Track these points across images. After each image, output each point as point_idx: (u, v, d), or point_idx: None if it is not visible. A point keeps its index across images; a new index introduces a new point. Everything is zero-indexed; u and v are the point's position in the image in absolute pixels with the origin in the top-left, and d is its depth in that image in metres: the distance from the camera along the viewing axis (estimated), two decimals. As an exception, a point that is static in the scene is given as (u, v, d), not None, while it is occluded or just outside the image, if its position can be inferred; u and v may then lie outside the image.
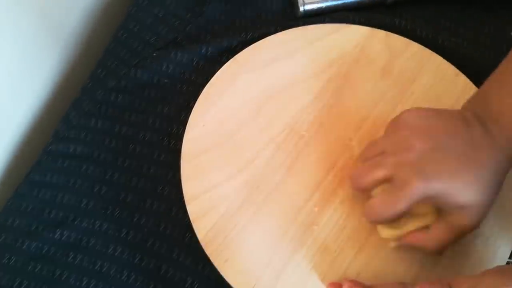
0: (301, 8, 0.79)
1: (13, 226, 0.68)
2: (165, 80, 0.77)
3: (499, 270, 0.50)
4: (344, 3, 0.80)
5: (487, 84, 0.59)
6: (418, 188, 0.52)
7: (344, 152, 0.66)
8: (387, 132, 0.60)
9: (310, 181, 0.65)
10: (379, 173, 0.55)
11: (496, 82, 0.58)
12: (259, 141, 0.67)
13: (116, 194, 0.69)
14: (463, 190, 0.52)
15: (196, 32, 0.81)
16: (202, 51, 0.78)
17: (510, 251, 0.61)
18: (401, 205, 0.53)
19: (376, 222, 0.58)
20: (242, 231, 0.62)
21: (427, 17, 0.79)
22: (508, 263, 0.61)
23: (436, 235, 0.55)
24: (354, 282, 0.58)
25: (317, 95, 0.70)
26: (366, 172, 0.57)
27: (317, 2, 0.79)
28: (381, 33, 0.74)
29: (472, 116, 0.56)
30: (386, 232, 0.59)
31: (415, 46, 0.73)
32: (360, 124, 0.68)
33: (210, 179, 0.65)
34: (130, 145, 0.72)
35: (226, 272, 0.60)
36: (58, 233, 0.66)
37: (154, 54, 0.78)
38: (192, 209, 0.63)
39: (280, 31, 0.76)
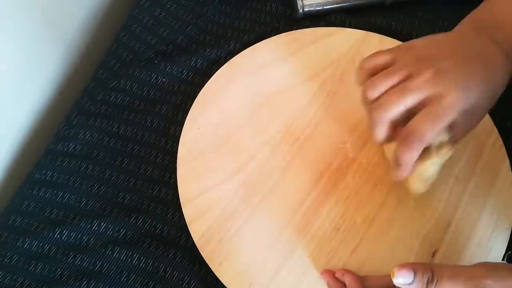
0: (300, 10, 0.79)
1: (15, 225, 0.69)
2: (163, 79, 0.78)
3: (483, 263, 0.51)
4: (342, 5, 0.80)
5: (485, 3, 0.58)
6: (459, 99, 0.50)
7: (338, 154, 0.67)
8: (397, 53, 0.55)
9: (305, 183, 0.65)
10: (413, 98, 0.51)
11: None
12: (255, 144, 0.68)
13: (115, 194, 0.70)
14: (487, 99, 0.52)
15: (196, 33, 0.82)
16: (201, 52, 0.79)
17: (504, 253, 0.61)
18: (446, 118, 0.50)
19: (418, 147, 0.51)
20: (237, 233, 0.63)
21: (426, 18, 0.79)
22: (501, 265, 0.61)
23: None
24: (346, 270, 0.59)
25: (311, 98, 0.71)
26: (395, 99, 0.51)
27: (316, 5, 0.80)
28: (375, 37, 0.75)
29: (471, 29, 0.56)
30: (418, 186, 0.59)
31: (410, 50, 0.73)
32: (354, 126, 0.68)
33: (205, 181, 0.66)
34: (129, 145, 0.73)
35: (222, 273, 0.61)
36: (58, 232, 0.67)
37: (154, 55, 0.79)
38: (188, 211, 0.64)
39: (276, 34, 0.76)
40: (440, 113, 0.50)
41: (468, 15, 0.59)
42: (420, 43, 0.55)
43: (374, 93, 0.53)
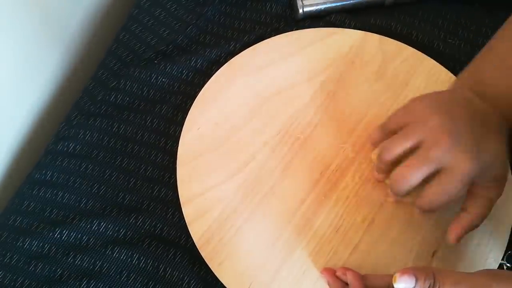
0: (300, 10, 0.79)
1: (15, 225, 0.69)
2: (163, 80, 0.78)
3: (485, 271, 0.51)
4: (342, 5, 0.80)
5: (479, 61, 0.59)
6: (472, 170, 0.51)
7: (338, 155, 0.67)
8: (400, 120, 0.58)
9: (305, 184, 0.65)
10: (430, 169, 0.52)
11: (488, 61, 0.59)
12: (254, 144, 0.68)
13: (115, 194, 0.70)
14: (498, 162, 0.53)
15: (196, 34, 0.82)
16: (201, 52, 0.79)
17: (503, 253, 0.61)
18: (457, 192, 0.52)
19: (430, 211, 0.55)
20: (237, 233, 0.63)
21: (426, 18, 0.79)
22: (500, 265, 0.61)
23: (478, 214, 0.55)
24: (347, 268, 0.59)
25: (311, 99, 0.71)
26: (415, 170, 0.53)
27: (316, 5, 0.80)
28: (375, 37, 0.75)
29: (471, 93, 0.57)
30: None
31: (409, 50, 0.73)
32: (354, 127, 0.68)
33: (205, 182, 0.66)
34: (129, 145, 0.73)
35: (221, 273, 0.61)
36: (58, 232, 0.67)
37: (154, 55, 0.79)
38: (188, 211, 0.64)
39: (276, 35, 0.76)
40: (449, 188, 0.52)
41: (460, 75, 0.61)
42: (424, 104, 0.56)
43: (390, 156, 0.55)
